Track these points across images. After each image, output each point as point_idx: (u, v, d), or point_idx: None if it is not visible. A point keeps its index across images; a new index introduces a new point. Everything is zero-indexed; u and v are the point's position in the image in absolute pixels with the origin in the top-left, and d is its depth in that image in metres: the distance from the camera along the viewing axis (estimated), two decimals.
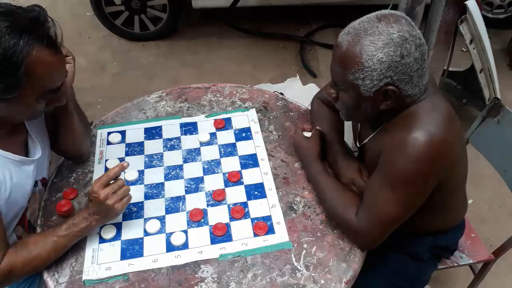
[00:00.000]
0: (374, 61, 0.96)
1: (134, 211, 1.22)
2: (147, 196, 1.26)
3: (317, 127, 1.31)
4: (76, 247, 1.14)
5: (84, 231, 1.10)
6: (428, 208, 1.10)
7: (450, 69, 2.21)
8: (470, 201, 2.12)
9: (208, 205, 1.24)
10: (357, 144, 1.28)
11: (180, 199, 1.25)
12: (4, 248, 1.05)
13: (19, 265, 1.04)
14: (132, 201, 1.23)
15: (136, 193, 1.26)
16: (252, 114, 1.51)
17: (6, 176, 1.08)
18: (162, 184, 1.29)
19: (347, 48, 1.00)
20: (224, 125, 1.46)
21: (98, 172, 1.32)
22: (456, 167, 1.13)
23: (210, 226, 1.19)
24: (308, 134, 1.30)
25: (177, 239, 1.15)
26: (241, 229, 1.18)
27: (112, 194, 1.08)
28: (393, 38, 0.96)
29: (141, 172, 1.32)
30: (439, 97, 1.09)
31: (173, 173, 1.32)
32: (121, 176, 1.28)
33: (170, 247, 1.14)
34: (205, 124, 1.47)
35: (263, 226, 1.18)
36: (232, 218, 1.20)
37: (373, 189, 1.08)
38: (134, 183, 1.29)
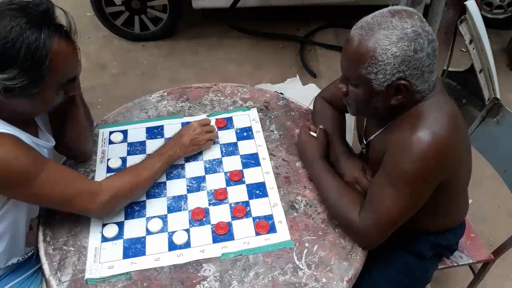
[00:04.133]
0: (388, 55, 0.96)
1: (136, 210, 1.22)
2: (149, 195, 1.26)
3: (321, 126, 1.32)
4: (78, 246, 1.14)
5: (171, 158, 1.28)
6: (430, 209, 1.10)
7: (450, 69, 2.22)
8: (470, 201, 2.12)
9: (210, 204, 1.24)
10: (364, 141, 1.28)
11: (182, 198, 1.26)
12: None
13: (122, 189, 1.15)
14: (134, 200, 1.24)
15: None
16: (253, 113, 1.51)
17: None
18: (164, 183, 1.29)
19: (360, 42, 0.99)
20: (225, 124, 1.47)
21: (100, 171, 1.32)
22: (460, 168, 1.14)
23: (212, 225, 1.19)
24: (314, 134, 1.31)
25: (179, 238, 1.15)
26: (243, 228, 1.19)
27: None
28: (407, 33, 0.96)
29: None
30: (445, 96, 1.09)
31: (175, 172, 1.32)
32: None
33: (172, 246, 1.15)
34: None
35: (265, 225, 1.18)
36: (233, 217, 1.21)
37: (376, 188, 1.08)
38: None
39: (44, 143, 1.15)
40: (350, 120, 2.22)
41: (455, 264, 1.48)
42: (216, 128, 1.43)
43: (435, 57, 1.00)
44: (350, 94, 1.09)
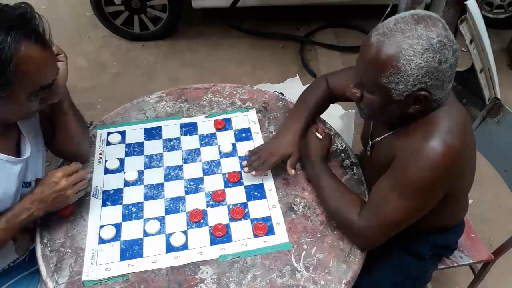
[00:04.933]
0: (412, 66, 0.92)
1: (133, 212, 1.22)
2: (147, 197, 1.26)
3: (326, 131, 1.30)
4: (75, 248, 1.14)
5: (25, 222, 1.08)
6: (434, 211, 1.09)
7: None
8: (470, 201, 2.12)
9: (208, 206, 1.24)
10: (369, 141, 1.26)
11: (180, 199, 1.25)
12: None
13: None
14: (132, 201, 1.24)
15: (136, 194, 1.26)
16: (252, 114, 1.51)
17: None
18: (162, 184, 1.29)
19: (382, 50, 0.94)
20: (224, 125, 1.46)
21: (98, 172, 1.31)
22: (466, 173, 1.13)
23: (210, 226, 1.19)
24: (319, 136, 1.29)
25: (177, 240, 1.15)
26: (241, 230, 1.18)
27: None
28: (432, 43, 0.91)
29: (140, 173, 1.32)
30: (457, 104, 1.08)
31: (173, 173, 1.32)
32: (121, 177, 1.29)
33: (169, 248, 1.14)
34: (205, 125, 1.47)
35: (263, 227, 1.18)
36: (232, 219, 1.20)
37: (382, 191, 1.07)
38: (133, 183, 1.29)
39: (7, 158, 1.09)
40: (351, 120, 2.21)
41: (455, 264, 1.48)
42: (89, 171, 1.27)
43: (456, 67, 0.97)
44: (365, 100, 1.06)
